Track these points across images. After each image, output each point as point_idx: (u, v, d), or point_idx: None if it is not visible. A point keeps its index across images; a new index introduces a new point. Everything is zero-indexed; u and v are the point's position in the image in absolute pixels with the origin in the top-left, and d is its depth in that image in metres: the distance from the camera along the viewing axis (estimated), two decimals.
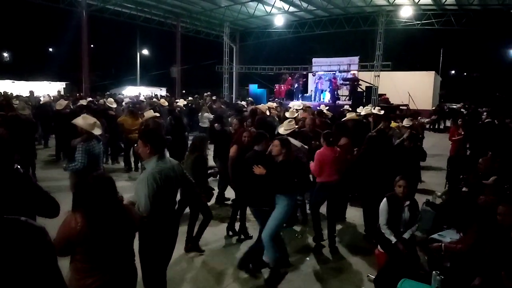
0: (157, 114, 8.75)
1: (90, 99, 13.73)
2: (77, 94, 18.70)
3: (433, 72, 27.11)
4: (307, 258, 5.13)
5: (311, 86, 25.63)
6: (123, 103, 14.96)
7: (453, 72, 49.98)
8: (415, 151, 6.70)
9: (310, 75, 25.94)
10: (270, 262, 4.44)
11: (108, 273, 2.54)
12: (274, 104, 13.05)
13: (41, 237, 1.72)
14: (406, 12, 21.78)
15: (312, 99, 23.11)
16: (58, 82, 26.62)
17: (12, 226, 1.66)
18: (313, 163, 5.48)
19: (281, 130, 5.98)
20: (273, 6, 22.98)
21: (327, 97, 22.48)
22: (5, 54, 41.57)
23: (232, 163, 5.50)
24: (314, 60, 26.15)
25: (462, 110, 21.13)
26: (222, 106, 14.55)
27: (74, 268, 2.53)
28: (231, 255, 5.08)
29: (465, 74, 51.68)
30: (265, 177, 4.27)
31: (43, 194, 2.87)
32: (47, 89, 22.31)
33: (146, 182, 3.16)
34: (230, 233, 5.72)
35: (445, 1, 19.84)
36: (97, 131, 5.07)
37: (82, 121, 5.01)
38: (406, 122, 8.31)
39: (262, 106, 11.37)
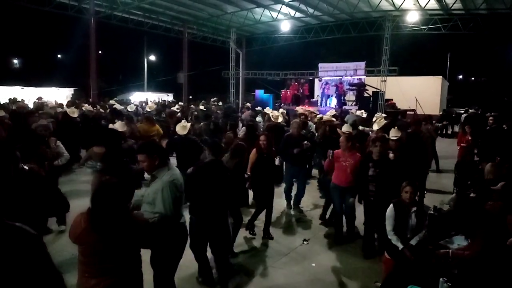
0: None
1: (86, 105, 14.02)
2: (85, 100, 18.99)
3: (440, 76, 26.85)
4: (313, 264, 5.11)
5: (317, 91, 25.62)
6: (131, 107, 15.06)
7: (460, 76, 49.58)
8: (402, 164, 5.45)
9: (316, 80, 25.92)
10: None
11: (112, 277, 2.57)
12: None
13: (34, 243, 1.74)
14: (412, 17, 21.68)
15: (319, 104, 23.10)
16: (66, 88, 26.82)
17: (5, 231, 1.68)
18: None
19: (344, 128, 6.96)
20: (279, 12, 23.08)
21: (333, 102, 22.44)
22: (15, 61, 42.11)
23: (252, 166, 5.88)
24: (320, 65, 26.05)
25: (470, 111, 20.92)
26: (218, 111, 14.51)
27: (79, 269, 2.60)
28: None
29: (472, 78, 51.28)
30: (218, 188, 4.10)
31: (52, 189, 2.95)
32: (55, 95, 22.56)
33: (168, 190, 3.18)
34: (250, 232, 5.98)
35: (452, 6, 19.72)
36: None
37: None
38: (393, 134, 6.32)
39: (273, 113, 11.36)
